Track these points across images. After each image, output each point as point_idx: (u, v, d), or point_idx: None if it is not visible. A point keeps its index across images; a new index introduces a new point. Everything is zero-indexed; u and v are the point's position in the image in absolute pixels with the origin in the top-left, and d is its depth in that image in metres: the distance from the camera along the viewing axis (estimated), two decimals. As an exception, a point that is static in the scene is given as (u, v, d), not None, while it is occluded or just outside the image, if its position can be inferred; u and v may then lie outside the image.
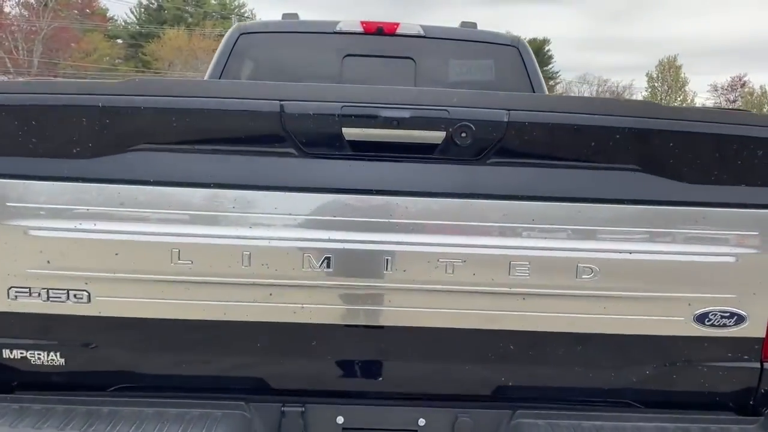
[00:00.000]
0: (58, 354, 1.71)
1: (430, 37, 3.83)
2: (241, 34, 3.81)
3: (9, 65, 43.94)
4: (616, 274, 1.68)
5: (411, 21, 3.89)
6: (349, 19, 3.89)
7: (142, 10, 74.19)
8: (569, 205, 1.67)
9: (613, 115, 1.67)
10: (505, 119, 1.62)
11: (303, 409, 1.76)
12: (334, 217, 1.65)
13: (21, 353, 1.70)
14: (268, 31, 3.91)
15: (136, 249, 1.63)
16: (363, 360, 1.79)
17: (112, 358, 1.74)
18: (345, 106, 1.60)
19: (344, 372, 1.79)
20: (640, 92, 61.80)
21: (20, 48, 46.32)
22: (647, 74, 60.09)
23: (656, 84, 59.19)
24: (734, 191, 1.69)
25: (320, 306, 1.68)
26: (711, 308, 1.70)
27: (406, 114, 1.61)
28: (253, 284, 1.65)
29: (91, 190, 1.62)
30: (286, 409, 1.75)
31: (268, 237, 1.63)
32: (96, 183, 1.62)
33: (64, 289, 1.64)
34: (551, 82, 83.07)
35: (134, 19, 74.35)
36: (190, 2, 72.75)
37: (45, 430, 1.61)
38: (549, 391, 1.82)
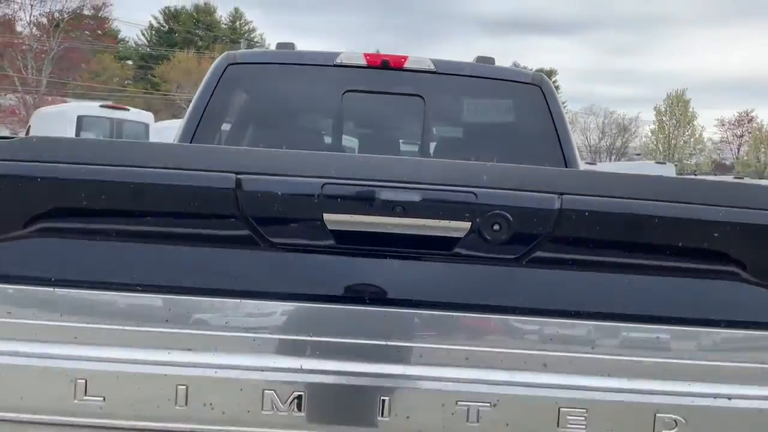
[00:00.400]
0: None
1: (442, 72, 3.37)
2: (230, 65, 3.35)
3: (18, 84, 44.05)
4: (712, 427, 1.18)
5: (414, 53, 3.45)
6: (351, 50, 3.44)
7: (153, 32, 74.90)
8: (644, 327, 1.17)
9: (707, 204, 1.18)
10: (556, 206, 1.14)
11: None
12: (309, 336, 1.16)
13: None
14: (260, 62, 3.46)
15: (24, 378, 1.14)
16: None
17: None
18: (328, 183, 1.12)
19: None
20: (647, 125, 61.55)
21: (30, 67, 46.62)
22: (655, 108, 59.83)
23: (664, 118, 58.86)
24: None
25: None
26: None
27: (415, 197, 1.13)
28: None
29: None
30: None
31: (215, 364, 1.14)
32: None
33: None
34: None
35: (145, 41, 75.05)
36: (200, 26, 73.38)
37: None
38: None
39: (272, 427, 1.15)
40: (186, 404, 1.13)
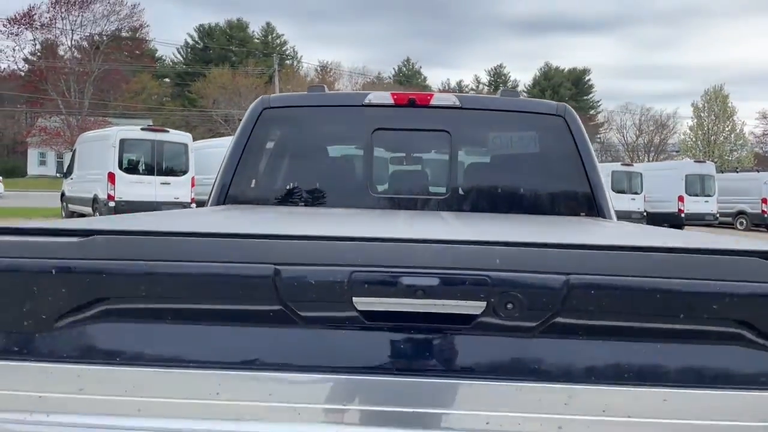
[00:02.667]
0: None
1: (467, 107, 3.49)
2: (265, 109, 3.54)
3: (62, 106, 45.37)
4: None
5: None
6: (379, 91, 3.59)
7: (189, 50, 76.58)
8: (653, 391, 1.27)
9: (711, 279, 1.28)
10: (564, 287, 1.26)
11: None
12: (344, 405, 1.29)
13: None
14: (292, 105, 3.63)
15: None
16: None
17: None
18: (355, 271, 1.26)
19: None
20: (685, 120, 60.31)
21: (72, 89, 47.77)
22: (693, 104, 58.56)
23: (702, 114, 57.57)
24: None
25: None
26: None
27: (434, 281, 1.26)
28: None
29: (42, 371, 1.30)
30: None
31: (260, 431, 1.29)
32: (48, 363, 1.31)
33: None
34: (592, 112, 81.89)
35: (181, 59, 76.80)
36: (234, 42, 74.73)
37: None
38: None
39: None
40: None
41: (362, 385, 1.30)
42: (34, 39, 49.16)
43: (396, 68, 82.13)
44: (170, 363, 1.30)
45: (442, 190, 3.48)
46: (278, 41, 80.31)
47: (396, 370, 1.30)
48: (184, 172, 17.48)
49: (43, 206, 24.58)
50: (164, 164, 17.39)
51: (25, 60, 51.31)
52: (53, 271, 1.29)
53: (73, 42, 49.18)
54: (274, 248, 1.33)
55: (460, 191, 3.43)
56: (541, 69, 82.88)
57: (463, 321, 1.29)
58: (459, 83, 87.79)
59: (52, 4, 46.47)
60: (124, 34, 54.33)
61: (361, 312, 1.28)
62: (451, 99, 3.48)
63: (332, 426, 1.29)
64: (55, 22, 48.29)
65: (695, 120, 57.93)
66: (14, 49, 47.30)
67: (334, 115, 3.61)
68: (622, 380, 1.28)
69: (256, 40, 78.42)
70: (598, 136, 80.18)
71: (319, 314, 1.30)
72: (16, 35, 47.21)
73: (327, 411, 1.30)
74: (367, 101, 3.47)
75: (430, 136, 3.54)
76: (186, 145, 17.73)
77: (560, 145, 3.44)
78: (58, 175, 20.94)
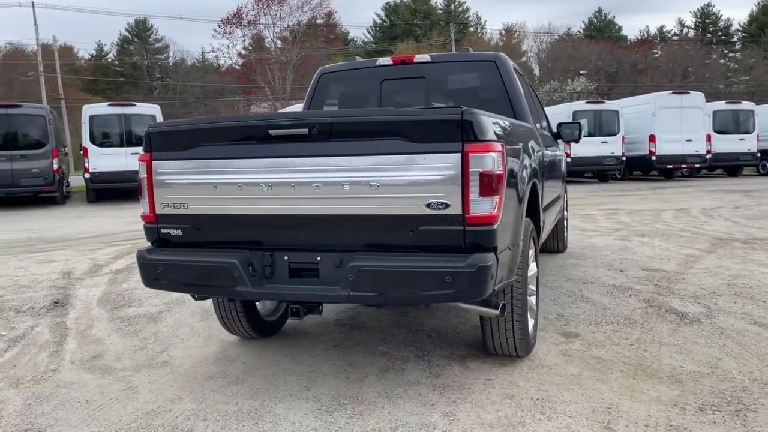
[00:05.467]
0: (179, 230, 3.94)
1: (435, 62, 5.78)
2: (323, 74, 6.20)
3: (269, 93, 51.33)
4: (388, 186, 3.52)
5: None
6: (385, 57, 6.05)
7: (377, 29, 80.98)
8: (366, 157, 3.59)
9: (377, 115, 3.68)
10: (331, 124, 3.72)
11: (271, 253, 3.72)
12: (274, 167, 3.88)
13: (168, 230, 4.10)
14: (338, 70, 6.23)
15: (204, 186, 3.90)
16: (292, 231, 3.68)
17: (201, 232, 4.00)
18: (269, 121, 3.86)
19: (287, 236, 3.70)
20: None
21: (276, 77, 52.66)
22: None
23: None
24: (438, 146, 3.43)
25: (270, 206, 3.65)
26: (432, 200, 3.35)
27: (290, 122, 3.80)
28: (248, 198, 3.87)
29: (190, 163, 4.02)
30: (264, 253, 3.55)
31: (252, 177, 3.82)
32: (191, 160, 3.99)
33: (178, 203, 3.94)
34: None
35: (371, 39, 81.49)
36: (417, 15, 77.57)
37: (180, 257, 4.09)
38: (370, 245, 3.37)
39: (266, 195, 3.91)
40: (241, 189, 3.94)
41: (278, 162, 3.79)
42: (243, 36, 54.99)
43: (586, 21, 79.44)
44: (227, 157, 3.93)
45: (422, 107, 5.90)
46: (460, 9, 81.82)
47: (287, 155, 3.76)
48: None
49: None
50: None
51: (239, 55, 58.00)
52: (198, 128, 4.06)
53: (274, 34, 54.07)
54: (263, 116, 3.96)
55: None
56: (758, 3, 74.73)
57: (303, 137, 3.71)
58: (660, 29, 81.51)
59: (255, 2, 51.85)
60: (318, 21, 58.22)
61: (273, 136, 3.84)
62: (425, 58, 5.80)
63: (269, 174, 3.89)
64: (259, 18, 53.40)
65: None
66: (228, 47, 53.95)
67: (359, 73, 6.14)
68: (357, 154, 3.63)
69: (439, 11, 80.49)
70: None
71: (271, 138, 3.80)
72: (229, 34, 53.55)
73: (268, 169, 3.89)
74: (377, 64, 5.95)
75: (414, 80, 5.94)
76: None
77: (492, 81, 5.60)
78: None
